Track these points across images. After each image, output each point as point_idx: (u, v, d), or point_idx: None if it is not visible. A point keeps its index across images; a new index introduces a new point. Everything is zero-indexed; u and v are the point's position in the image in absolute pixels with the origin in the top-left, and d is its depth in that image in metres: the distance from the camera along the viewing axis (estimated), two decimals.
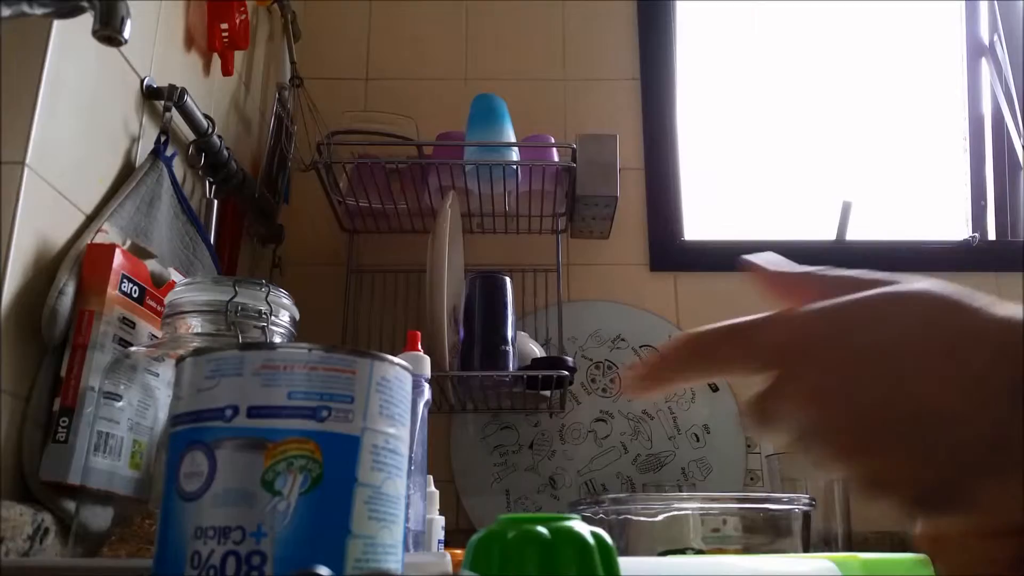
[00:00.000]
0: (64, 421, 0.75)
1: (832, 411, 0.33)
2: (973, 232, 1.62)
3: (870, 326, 0.33)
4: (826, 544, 1.17)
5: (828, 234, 1.60)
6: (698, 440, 1.44)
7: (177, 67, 1.10)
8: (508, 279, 1.30)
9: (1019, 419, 0.30)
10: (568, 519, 0.43)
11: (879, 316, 0.34)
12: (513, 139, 1.36)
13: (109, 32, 0.64)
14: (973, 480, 0.31)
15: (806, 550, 1.03)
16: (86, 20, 0.66)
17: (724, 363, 0.38)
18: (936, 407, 0.31)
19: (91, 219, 0.86)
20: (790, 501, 1.03)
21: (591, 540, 0.42)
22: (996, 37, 1.71)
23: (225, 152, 1.16)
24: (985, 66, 1.74)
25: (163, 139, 1.00)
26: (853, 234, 1.59)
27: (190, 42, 1.15)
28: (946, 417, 0.31)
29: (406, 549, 0.40)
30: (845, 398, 0.33)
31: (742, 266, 0.40)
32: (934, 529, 0.34)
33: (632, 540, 1.00)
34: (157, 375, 0.74)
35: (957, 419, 0.31)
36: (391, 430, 0.39)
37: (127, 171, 0.95)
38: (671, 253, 1.56)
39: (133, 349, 0.77)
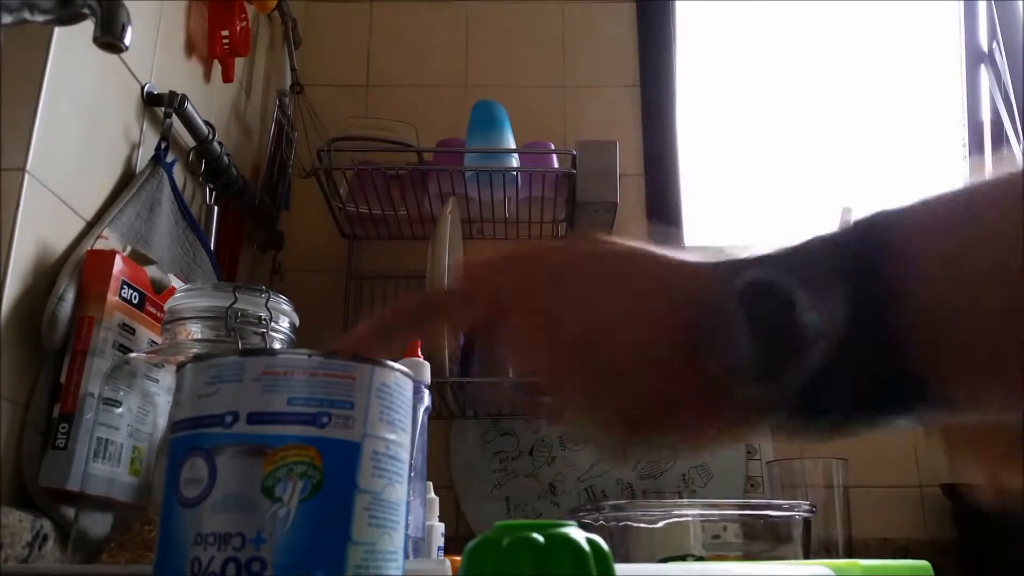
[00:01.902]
0: (63, 427, 0.75)
1: (534, 353, 0.37)
2: None
3: (572, 274, 0.37)
4: (827, 551, 1.17)
5: None
6: None
7: (178, 74, 1.10)
8: None
9: (691, 367, 0.33)
10: (564, 526, 0.43)
11: (574, 268, 0.37)
12: (513, 145, 1.37)
13: (110, 39, 0.64)
14: (663, 412, 0.35)
15: (806, 556, 1.03)
16: (87, 27, 0.66)
17: (442, 323, 0.41)
18: (630, 349, 0.35)
19: (91, 225, 0.86)
20: (790, 508, 1.03)
21: (586, 547, 0.42)
22: (995, 44, 1.72)
23: (225, 158, 1.16)
24: (984, 73, 1.74)
25: (163, 145, 1.00)
26: None
27: (191, 49, 1.15)
28: (638, 358, 0.35)
29: (406, 556, 0.40)
30: (547, 338, 0.36)
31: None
32: None
33: (632, 547, 1.00)
34: (157, 381, 0.74)
35: (649, 360, 0.34)
36: (392, 436, 0.39)
37: (127, 177, 0.95)
38: None
39: (133, 355, 0.77)
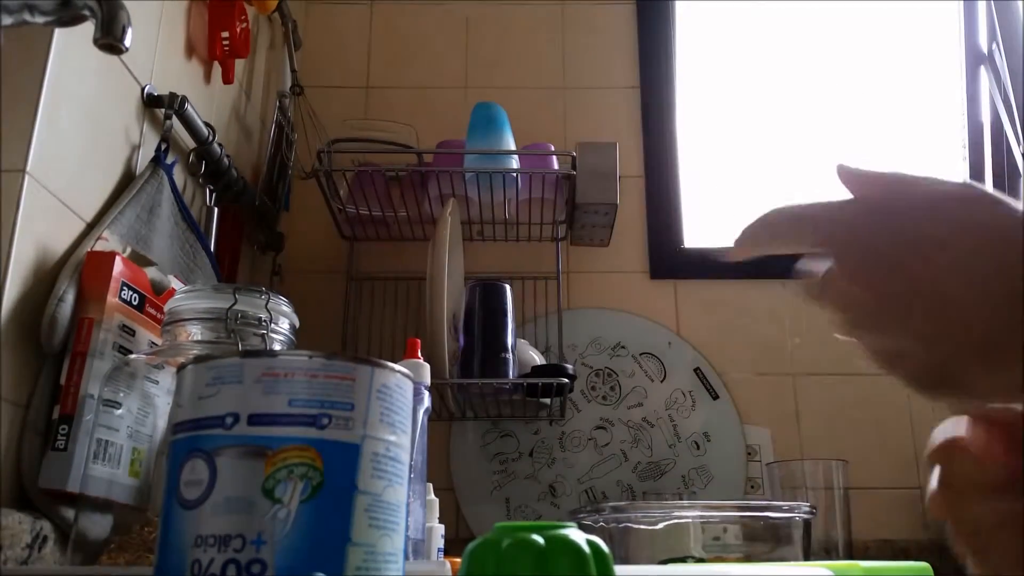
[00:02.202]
0: (63, 429, 0.75)
1: (861, 288, 0.39)
2: None
3: (909, 220, 0.38)
4: (827, 552, 1.17)
5: None
6: (698, 448, 1.43)
7: (178, 75, 1.10)
8: (508, 287, 1.30)
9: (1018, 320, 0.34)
10: (564, 527, 0.43)
11: (920, 211, 0.39)
12: (513, 147, 1.37)
13: (110, 40, 0.64)
14: (968, 366, 0.36)
15: (807, 558, 1.03)
16: (87, 28, 0.66)
17: (789, 242, 0.44)
18: (949, 295, 0.36)
19: (91, 226, 0.86)
20: (791, 509, 1.03)
21: (586, 548, 0.42)
22: (995, 45, 1.72)
23: (225, 160, 1.16)
24: (984, 74, 1.74)
25: (163, 147, 1.00)
26: None
27: (191, 50, 1.15)
28: (955, 304, 0.35)
29: (406, 557, 0.40)
30: (875, 279, 0.38)
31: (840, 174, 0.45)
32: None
33: (633, 548, 1.00)
34: (157, 383, 0.73)
35: (965, 308, 0.35)
36: (392, 438, 0.39)
37: (127, 179, 0.95)
38: (671, 261, 1.56)
39: (133, 357, 0.77)
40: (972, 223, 0.37)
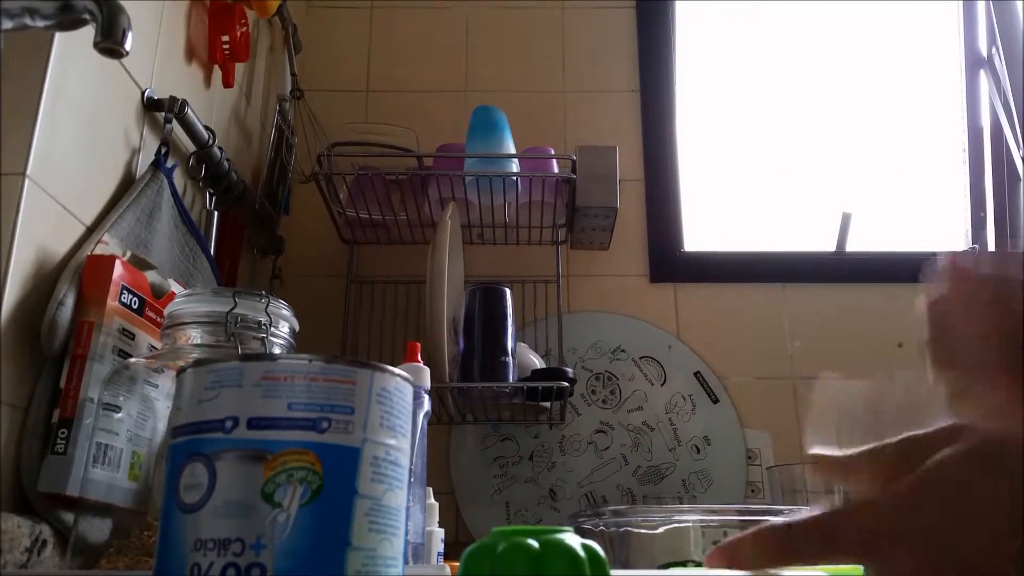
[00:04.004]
0: (63, 432, 0.75)
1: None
2: (972, 243, 1.62)
3: (953, 504, 0.32)
4: None
5: (828, 245, 1.60)
6: (699, 452, 1.43)
7: (178, 79, 1.10)
8: (508, 290, 1.30)
9: None
10: (560, 531, 0.43)
11: (960, 490, 0.32)
12: (513, 151, 1.37)
13: (111, 44, 0.64)
14: None
15: None
16: (87, 32, 0.66)
17: (809, 559, 0.36)
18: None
19: (91, 230, 0.86)
20: (791, 513, 1.03)
21: (582, 552, 0.42)
22: (994, 50, 1.72)
23: (226, 163, 1.16)
24: (984, 78, 1.75)
25: (164, 150, 1.00)
26: (853, 245, 1.59)
27: (191, 54, 1.15)
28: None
29: (405, 561, 0.40)
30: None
31: (810, 459, 0.39)
32: None
33: (633, 552, 1.00)
34: (156, 386, 0.73)
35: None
36: (392, 441, 0.39)
37: (127, 182, 0.95)
38: (671, 264, 1.56)
39: (132, 360, 0.77)
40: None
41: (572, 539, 0.43)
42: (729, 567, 0.37)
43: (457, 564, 0.44)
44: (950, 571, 0.32)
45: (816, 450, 0.39)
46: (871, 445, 0.37)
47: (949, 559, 0.32)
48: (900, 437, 0.36)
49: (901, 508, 0.33)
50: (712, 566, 0.38)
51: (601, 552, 0.43)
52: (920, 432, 0.35)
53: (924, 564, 0.32)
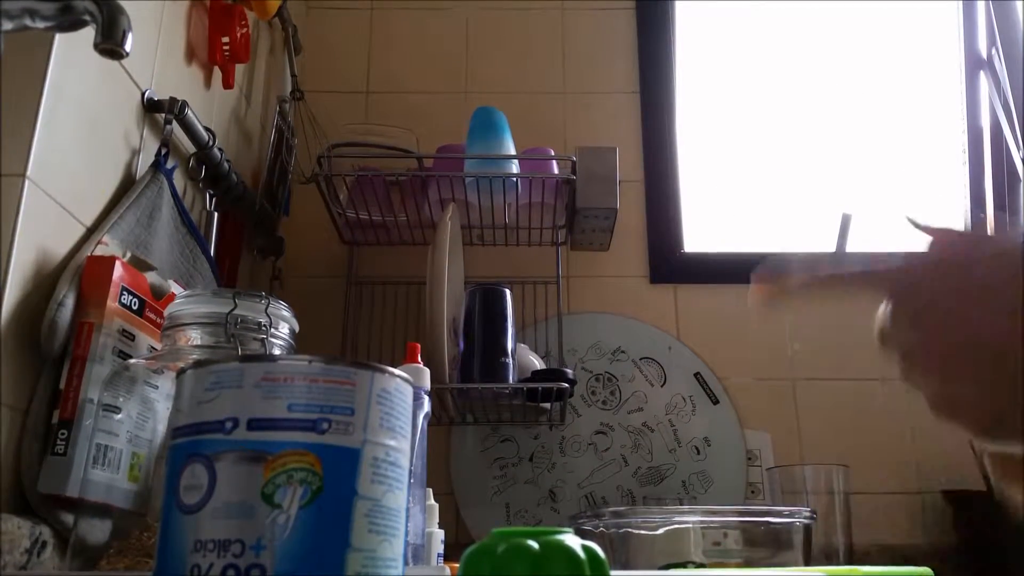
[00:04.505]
0: (63, 434, 0.75)
1: (927, 336, 0.39)
2: None
3: (970, 272, 0.39)
4: (827, 558, 1.17)
5: (828, 246, 1.59)
6: (699, 453, 1.43)
7: (178, 80, 1.11)
8: (508, 291, 1.30)
9: None
10: (560, 532, 0.43)
11: (981, 264, 0.39)
12: (513, 152, 1.37)
13: (111, 45, 0.64)
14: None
15: (807, 563, 1.03)
16: (88, 33, 0.66)
17: (850, 293, 0.45)
18: (1006, 342, 0.36)
19: (91, 231, 0.86)
20: (791, 514, 1.03)
21: (581, 553, 0.42)
22: (994, 51, 1.72)
23: (226, 165, 1.16)
24: (983, 79, 1.75)
25: (164, 151, 1.00)
26: (853, 246, 1.59)
27: (191, 55, 1.15)
28: (1012, 351, 0.36)
29: (405, 563, 0.40)
30: (941, 327, 0.38)
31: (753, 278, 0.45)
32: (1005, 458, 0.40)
33: (633, 554, 1.00)
34: (156, 387, 0.73)
35: (1019, 354, 0.35)
36: (391, 442, 0.39)
37: (128, 183, 0.95)
38: (671, 265, 1.56)
39: (132, 361, 0.77)
40: None
41: (572, 540, 0.43)
42: (773, 292, 0.46)
43: (457, 565, 0.44)
44: (955, 328, 0.38)
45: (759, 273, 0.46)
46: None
47: (952, 319, 0.39)
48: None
49: (929, 265, 0.42)
50: (759, 291, 0.45)
51: (601, 553, 0.43)
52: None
53: (932, 313, 0.39)
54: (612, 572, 0.43)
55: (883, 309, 0.42)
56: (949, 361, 0.38)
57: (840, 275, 0.45)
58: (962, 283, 0.39)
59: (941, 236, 0.44)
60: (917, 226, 0.46)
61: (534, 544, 0.42)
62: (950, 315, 0.38)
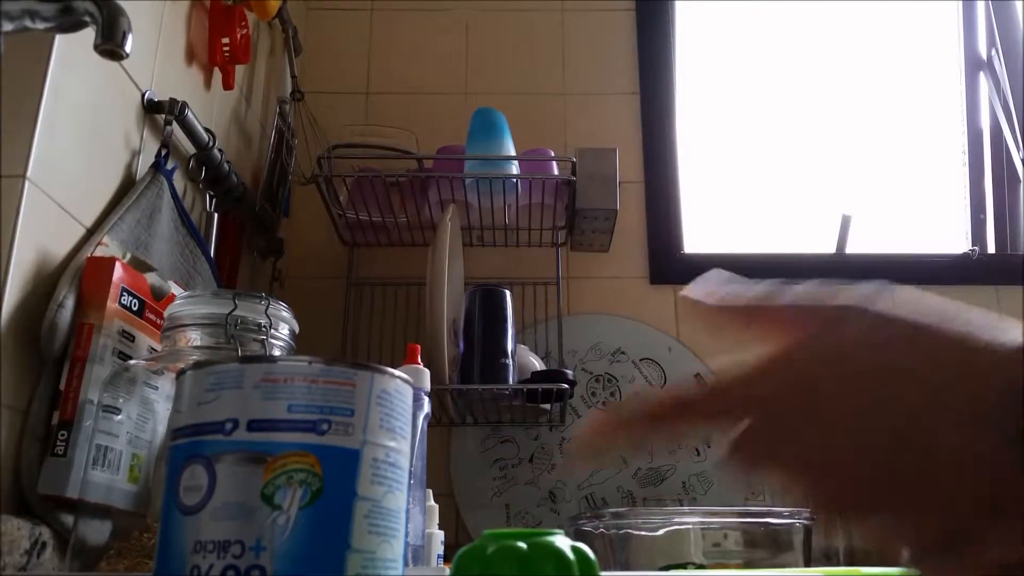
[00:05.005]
0: (63, 435, 0.75)
1: (821, 473, 0.31)
2: (972, 245, 1.62)
3: (852, 358, 0.31)
4: (827, 558, 1.17)
5: (828, 247, 1.60)
6: (699, 454, 1.43)
7: (178, 81, 1.11)
8: (508, 292, 1.30)
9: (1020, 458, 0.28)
10: (550, 534, 0.44)
11: (862, 349, 0.32)
12: (513, 153, 1.37)
13: (111, 46, 0.64)
14: (985, 523, 0.29)
15: (807, 564, 1.02)
16: (88, 35, 0.66)
17: (676, 423, 0.35)
18: (950, 448, 0.29)
19: (91, 232, 0.86)
20: (791, 515, 1.03)
21: (570, 554, 0.42)
22: (994, 52, 1.72)
23: (226, 166, 1.16)
24: (983, 80, 1.75)
25: (164, 152, 1.00)
26: (853, 247, 1.59)
27: (191, 56, 1.15)
28: (961, 459, 0.29)
29: (405, 564, 0.40)
30: (814, 457, 0.31)
31: (684, 298, 0.38)
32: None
33: (633, 555, 1.00)
34: (156, 388, 0.73)
35: (974, 460, 0.29)
36: (391, 443, 0.39)
37: (128, 184, 0.95)
38: (671, 266, 1.56)
39: (132, 362, 0.77)
40: (949, 357, 0.30)
41: (561, 541, 0.43)
42: (604, 428, 0.36)
43: None
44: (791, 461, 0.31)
45: (700, 285, 0.39)
46: (764, 291, 0.37)
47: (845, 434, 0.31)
48: (802, 295, 0.35)
49: (770, 384, 0.33)
50: (591, 423, 0.37)
51: (591, 554, 0.44)
52: (825, 299, 0.34)
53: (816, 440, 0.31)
54: (612, 573, 0.43)
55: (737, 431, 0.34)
56: (873, 489, 0.31)
57: (658, 410, 0.35)
58: (796, 383, 0.32)
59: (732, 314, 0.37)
60: (696, 306, 0.38)
61: (523, 545, 0.42)
62: (803, 429, 0.31)
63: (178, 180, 1.05)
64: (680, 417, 0.35)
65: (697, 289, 0.37)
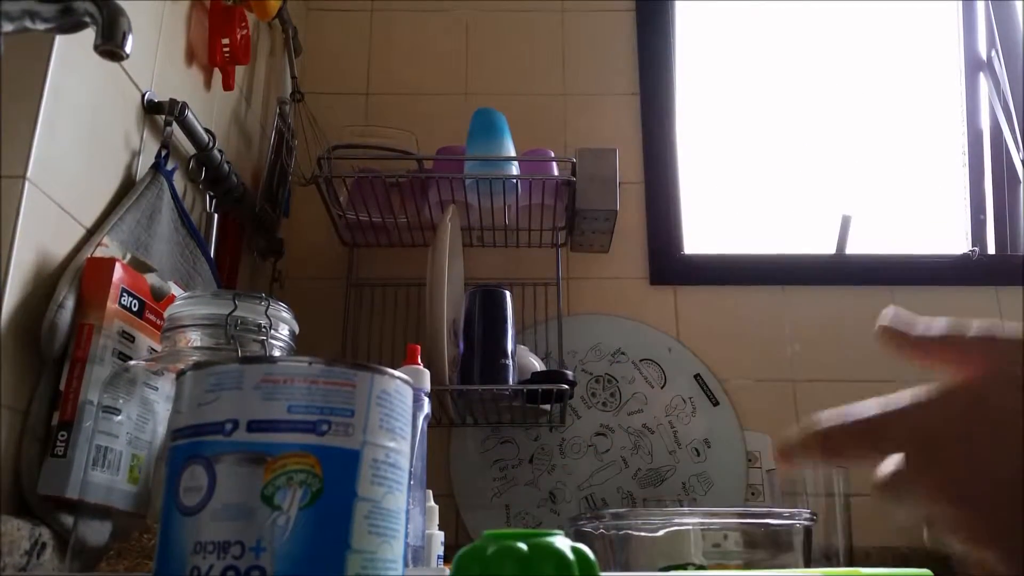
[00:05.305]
0: (63, 435, 0.75)
1: (961, 504, 0.32)
2: (972, 246, 1.62)
3: (998, 414, 0.32)
4: (827, 559, 1.17)
5: (828, 248, 1.60)
6: (699, 454, 1.43)
7: (178, 82, 1.11)
8: (508, 293, 1.30)
9: None
10: (550, 535, 0.44)
11: (1009, 400, 0.32)
12: (513, 153, 1.37)
13: (111, 47, 0.64)
14: None
15: (807, 565, 1.02)
16: (88, 35, 0.66)
17: (853, 460, 0.36)
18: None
19: (91, 233, 0.86)
20: (791, 516, 1.03)
21: (570, 555, 0.42)
22: (994, 52, 1.72)
23: (226, 166, 1.16)
24: (983, 81, 1.75)
25: (164, 153, 1.00)
26: (853, 248, 1.59)
27: (191, 57, 1.15)
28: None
29: (405, 564, 0.40)
30: (975, 489, 0.32)
31: (881, 332, 0.38)
32: None
33: (633, 555, 0.99)
34: (156, 389, 0.73)
35: None
36: (391, 444, 0.39)
37: (128, 185, 0.95)
38: (671, 267, 1.56)
39: (132, 363, 0.77)
40: None
41: (561, 542, 0.43)
42: (784, 462, 0.38)
43: None
44: (977, 497, 0.32)
45: (888, 323, 0.38)
46: (950, 330, 0.36)
47: (984, 479, 0.32)
48: (983, 331, 0.35)
49: (940, 414, 0.33)
50: (777, 460, 0.38)
51: (591, 555, 0.44)
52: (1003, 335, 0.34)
53: (960, 476, 0.32)
54: (612, 574, 0.43)
55: (889, 465, 0.35)
56: (997, 526, 0.31)
57: (843, 430, 0.36)
58: (976, 413, 0.32)
59: (944, 352, 0.36)
60: (899, 339, 0.37)
61: (523, 546, 0.42)
62: (981, 477, 0.32)
63: (178, 181, 1.05)
64: (866, 454, 0.36)
65: (895, 320, 0.37)
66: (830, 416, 0.36)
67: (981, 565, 0.33)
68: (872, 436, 0.35)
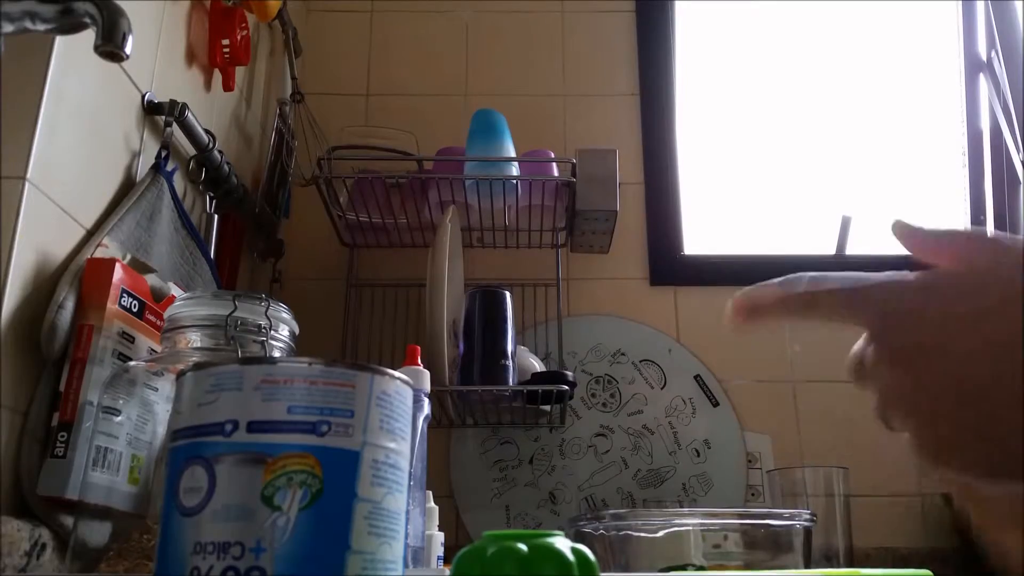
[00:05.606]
0: (63, 436, 0.75)
1: (913, 375, 0.33)
2: None
3: (966, 298, 0.33)
4: (828, 560, 1.17)
5: (828, 249, 1.60)
6: (699, 455, 1.43)
7: (178, 82, 1.11)
8: (508, 293, 1.30)
9: None
10: (550, 536, 0.44)
11: (978, 288, 0.33)
12: (513, 154, 1.37)
13: (111, 48, 0.64)
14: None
15: (807, 566, 1.02)
16: (88, 36, 0.66)
17: (827, 317, 0.38)
18: (993, 377, 0.31)
19: (91, 233, 0.86)
20: (791, 517, 1.03)
21: (570, 556, 0.42)
22: (994, 53, 1.72)
23: (226, 167, 1.16)
24: (983, 82, 1.75)
25: (164, 154, 1.00)
26: (853, 249, 1.59)
27: (191, 58, 1.15)
28: (1004, 388, 0.30)
29: (405, 565, 0.40)
30: (928, 363, 0.33)
31: (894, 225, 0.40)
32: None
33: (633, 556, 0.99)
34: (156, 390, 0.73)
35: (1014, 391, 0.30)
36: (391, 445, 0.39)
37: (128, 186, 0.95)
38: (671, 267, 1.56)
39: (132, 364, 0.77)
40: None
41: (562, 543, 0.43)
42: (750, 309, 0.39)
43: None
44: (944, 364, 0.32)
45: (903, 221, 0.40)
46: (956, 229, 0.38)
47: (941, 354, 0.32)
48: (988, 233, 0.37)
49: (914, 290, 0.35)
50: (736, 308, 0.39)
51: (591, 555, 0.44)
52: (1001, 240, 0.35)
53: (917, 348, 0.33)
54: (612, 575, 0.43)
55: (861, 341, 0.36)
56: (939, 402, 0.32)
57: (817, 293, 0.38)
58: (951, 308, 0.33)
59: (945, 245, 0.38)
60: (909, 231, 0.40)
61: (523, 547, 0.42)
62: (932, 349, 0.33)
63: (178, 181, 1.05)
64: (817, 309, 0.37)
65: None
66: (810, 279, 0.39)
67: (998, 553, 0.33)
68: (847, 300, 0.37)
